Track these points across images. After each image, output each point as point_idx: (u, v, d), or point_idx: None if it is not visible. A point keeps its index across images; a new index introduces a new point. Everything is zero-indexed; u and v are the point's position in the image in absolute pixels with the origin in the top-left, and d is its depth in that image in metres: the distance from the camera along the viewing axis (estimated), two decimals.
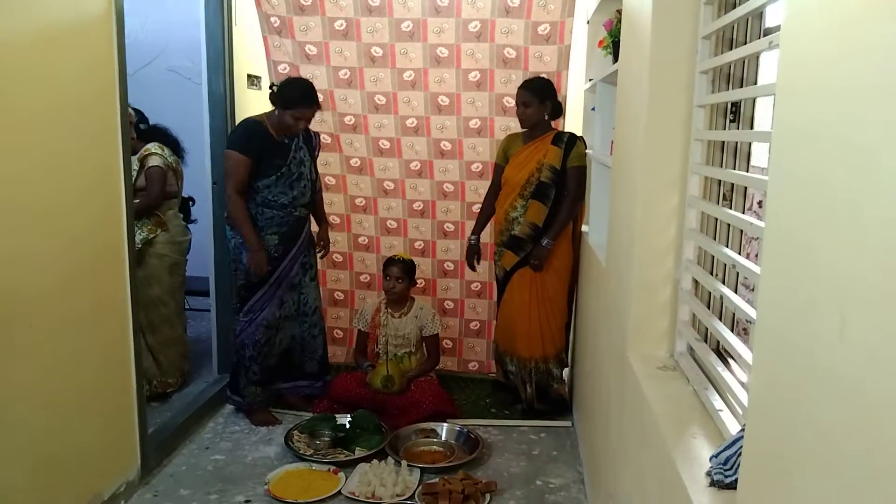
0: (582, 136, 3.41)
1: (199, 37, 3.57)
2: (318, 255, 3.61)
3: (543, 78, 3.38)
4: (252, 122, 3.25)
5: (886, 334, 0.66)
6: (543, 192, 3.31)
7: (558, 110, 3.41)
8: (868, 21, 0.72)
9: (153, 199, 3.47)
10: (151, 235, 3.47)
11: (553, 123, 3.45)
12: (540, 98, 3.26)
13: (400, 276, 3.54)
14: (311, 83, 3.25)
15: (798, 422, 0.84)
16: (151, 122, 3.59)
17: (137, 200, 3.40)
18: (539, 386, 3.49)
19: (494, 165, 3.57)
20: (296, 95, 3.14)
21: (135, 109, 3.15)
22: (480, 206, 3.68)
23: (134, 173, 3.38)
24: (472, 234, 3.61)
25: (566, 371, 3.58)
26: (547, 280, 3.38)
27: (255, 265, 3.20)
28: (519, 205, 3.37)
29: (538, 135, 3.35)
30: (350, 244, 4.10)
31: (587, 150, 3.37)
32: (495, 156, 3.57)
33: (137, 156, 3.42)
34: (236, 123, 3.47)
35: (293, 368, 3.58)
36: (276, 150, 3.22)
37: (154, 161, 3.47)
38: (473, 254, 3.61)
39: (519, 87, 3.33)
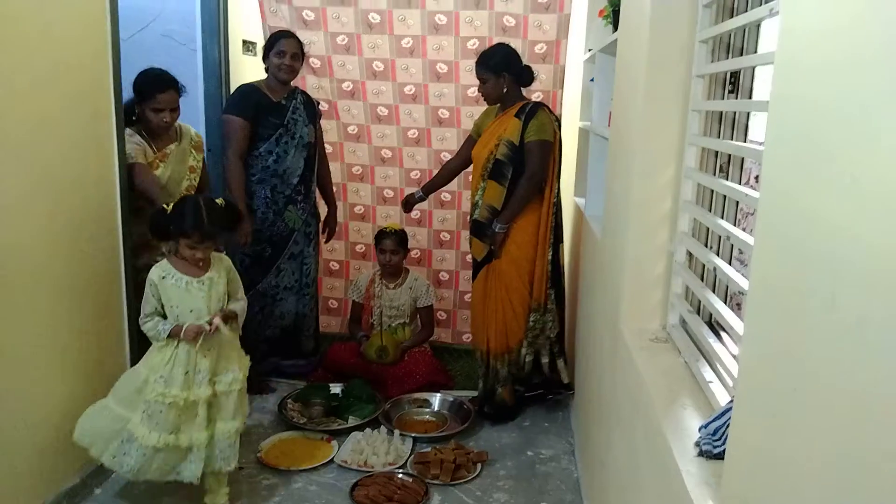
0: (546, 105, 3.10)
1: (194, 1, 3.51)
2: (323, 240, 3.63)
3: (501, 46, 3.10)
4: (246, 86, 3.28)
5: (876, 306, 0.65)
6: (499, 170, 3.01)
7: (525, 78, 3.07)
8: None
9: None
10: None
11: (528, 93, 3.21)
12: (495, 71, 2.98)
13: (394, 248, 3.53)
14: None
15: (787, 393, 0.83)
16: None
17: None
18: (487, 387, 3.21)
19: (468, 136, 3.34)
20: (271, 37, 3.24)
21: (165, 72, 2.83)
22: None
23: (196, 163, 3.00)
24: (420, 188, 3.43)
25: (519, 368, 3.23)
26: (504, 268, 3.07)
27: (242, 233, 3.17)
28: (480, 186, 3.09)
29: (508, 107, 3.06)
30: (346, 213, 4.08)
31: (585, 123, 3.32)
32: None
33: (192, 140, 3.01)
34: (231, 90, 3.43)
35: (293, 346, 3.56)
36: (272, 109, 3.22)
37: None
38: (408, 203, 3.43)
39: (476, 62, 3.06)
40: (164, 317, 2.31)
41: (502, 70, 3.01)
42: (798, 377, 0.81)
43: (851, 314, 0.70)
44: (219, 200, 2.36)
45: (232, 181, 3.17)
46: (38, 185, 2.19)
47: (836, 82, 0.77)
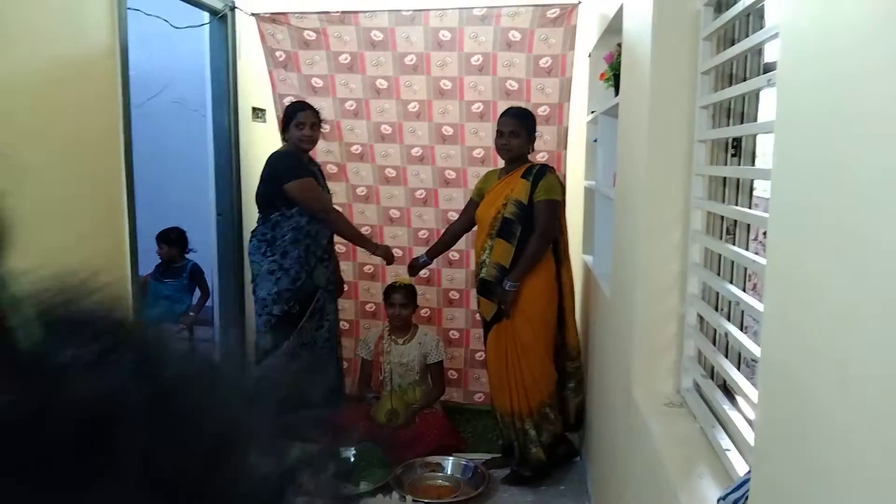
0: (552, 168, 3.18)
1: (203, 69, 3.61)
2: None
3: (528, 109, 3.22)
4: (284, 151, 3.30)
5: (888, 384, 0.64)
6: (507, 229, 3.03)
7: (533, 145, 3.19)
8: (859, 61, 0.72)
9: None
10: None
11: (532, 156, 3.26)
12: (528, 130, 3.07)
13: (403, 301, 3.53)
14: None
15: (803, 466, 0.82)
16: (155, 152, 3.57)
17: None
18: (520, 448, 3.13)
19: (469, 200, 3.41)
20: (289, 109, 3.30)
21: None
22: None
23: None
24: (425, 252, 3.46)
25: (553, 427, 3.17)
26: (518, 328, 3.02)
27: (387, 255, 3.46)
28: (487, 245, 3.10)
29: (513, 169, 3.11)
30: (355, 273, 4.09)
31: (591, 182, 3.35)
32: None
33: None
34: (241, 156, 3.48)
35: None
36: (313, 174, 3.31)
37: None
38: (413, 268, 3.45)
39: (505, 115, 3.09)
40: None
41: (532, 131, 3.11)
42: (814, 458, 0.79)
43: (865, 391, 0.69)
44: None
45: (345, 226, 3.43)
46: (47, 263, 2.21)
47: (836, 150, 0.78)
